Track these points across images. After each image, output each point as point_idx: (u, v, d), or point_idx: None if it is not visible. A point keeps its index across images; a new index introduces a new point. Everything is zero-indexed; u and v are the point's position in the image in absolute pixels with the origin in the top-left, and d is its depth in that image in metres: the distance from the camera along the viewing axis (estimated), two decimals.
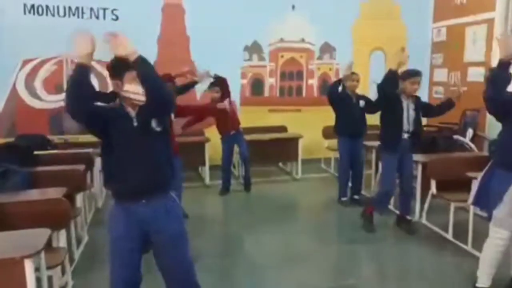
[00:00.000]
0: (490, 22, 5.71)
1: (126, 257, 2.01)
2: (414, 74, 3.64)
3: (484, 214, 3.02)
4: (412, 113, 3.68)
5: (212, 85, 4.84)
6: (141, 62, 1.83)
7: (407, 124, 3.67)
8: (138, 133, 1.95)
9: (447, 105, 3.77)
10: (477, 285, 2.71)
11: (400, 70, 3.59)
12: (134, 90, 1.90)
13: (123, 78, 1.92)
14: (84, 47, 1.85)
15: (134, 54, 1.82)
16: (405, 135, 3.69)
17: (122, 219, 1.99)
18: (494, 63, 5.56)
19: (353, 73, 4.51)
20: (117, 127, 1.93)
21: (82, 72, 1.85)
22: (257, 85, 6.58)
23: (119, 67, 1.93)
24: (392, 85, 3.57)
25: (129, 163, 1.94)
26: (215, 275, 3.11)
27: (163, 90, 1.89)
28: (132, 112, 1.97)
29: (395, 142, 3.71)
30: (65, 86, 5.71)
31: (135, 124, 1.96)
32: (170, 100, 1.99)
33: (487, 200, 2.66)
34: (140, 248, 2.05)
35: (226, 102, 4.77)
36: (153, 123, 1.97)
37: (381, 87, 3.61)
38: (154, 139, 1.98)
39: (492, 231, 2.63)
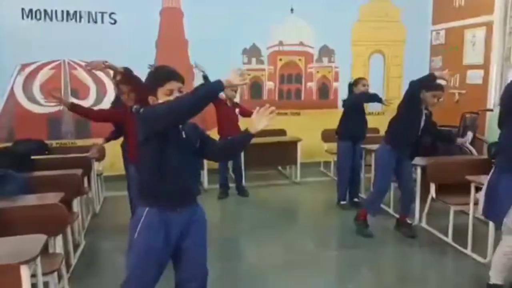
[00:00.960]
0: (488, 25, 5.71)
1: (154, 270, 1.99)
2: (438, 87, 3.60)
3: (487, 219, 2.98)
4: (422, 123, 3.69)
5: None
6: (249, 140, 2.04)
7: (418, 132, 3.69)
8: (184, 145, 1.99)
9: (445, 138, 4.00)
10: (489, 282, 2.67)
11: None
12: None
13: (156, 93, 1.95)
14: (236, 80, 1.91)
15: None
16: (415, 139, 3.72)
17: (160, 227, 1.96)
18: (493, 67, 5.60)
19: (362, 78, 4.58)
20: (167, 136, 1.92)
21: (218, 92, 1.91)
22: (255, 88, 6.57)
23: (151, 85, 1.99)
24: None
25: (172, 171, 1.95)
26: (214, 279, 3.07)
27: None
28: None
29: (404, 145, 3.72)
30: (63, 90, 5.72)
31: (184, 135, 1.99)
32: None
33: (497, 209, 2.58)
34: (168, 260, 2.05)
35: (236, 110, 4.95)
36: (197, 143, 2.07)
37: (415, 84, 3.51)
38: (195, 152, 2.06)
39: (503, 239, 2.58)
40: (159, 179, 1.96)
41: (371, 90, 4.56)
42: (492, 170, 2.73)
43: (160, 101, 1.94)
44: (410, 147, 3.75)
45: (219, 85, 1.84)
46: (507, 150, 2.63)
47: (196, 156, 2.09)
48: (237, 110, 4.97)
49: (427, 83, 3.50)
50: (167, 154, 1.93)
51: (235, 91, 4.93)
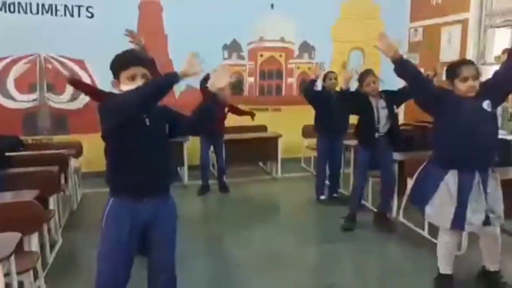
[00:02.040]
0: (464, 22, 5.83)
1: (123, 257, 1.96)
2: (365, 75, 3.75)
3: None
4: (383, 111, 3.75)
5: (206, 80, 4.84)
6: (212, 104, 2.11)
7: (378, 123, 3.75)
8: (149, 132, 1.95)
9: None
10: (440, 271, 2.78)
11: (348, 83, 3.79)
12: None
13: (119, 77, 1.93)
14: (193, 69, 1.91)
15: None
16: (377, 134, 3.77)
17: (125, 218, 1.95)
18: None
19: (330, 71, 4.56)
20: (129, 126, 1.88)
21: (172, 84, 1.89)
22: (236, 84, 6.54)
23: (114, 68, 1.95)
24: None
25: (137, 160, 1.92)
26: (195, 277, 3.07)
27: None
28: None
29: (367, 141, 3.83)
30: (38, 85, 5.58)
31: (148, 123, 1.95)
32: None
33: (422, 197, 2.72)
34: (136, 248, 2.02)
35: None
36: (166, 127, 2.02)
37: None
38: (163, 139, 2.01)
39: (440, 230, 2.75)
40: (122, 170, 1.95)
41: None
42: (426, 161, 2.83)
43: (122, 85, 1.93)
44: (386, 137, 3.79)
45: (175, 77, 1.86)
46: (434, 145, 2.77)
47: (165, 142, 2.04)
48: (226, 109, 4.94)
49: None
50: (129, 145, 1.91)
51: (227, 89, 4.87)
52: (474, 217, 2.53)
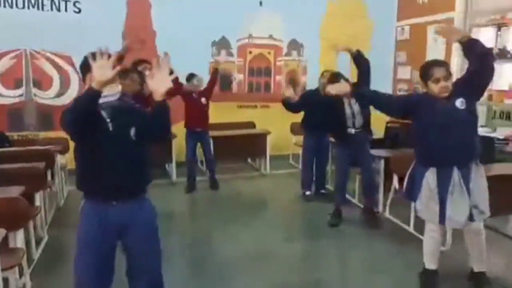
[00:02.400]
0: (450, 21, 5.90)
1: (95, 258, 1.95)
2: (333, 79, 3.74)
3: None
4: (356, 107, 3.84)
5: (192, 76, 4.83)
6: (164, 105, 1.90)
7: (351, 119, 3.86)
8: (113, 137, 1.89)
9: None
10: (426, 267, 2.84)
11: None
12: None
13: (85, 79, 1.88)
14: (104, 74, 1.71)
15: (163, 96, 1.87)
16: (353, 131, 3.87)
17: (95, 219, 1.94)
18: (454, 61, 5.81)
19: (326, 71, 4.56)
20: (91, 129, 1.84)
21: (94, 99, 1.76)
22: (225, 80, 6.55)
23: (84, 67, 1.89)
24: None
25: (102, 165, 1.89)
26: (183, 273, 3.09)
27: (169, 129, 2.01)
28: (105, 114, 1.90)
29: (341, 138, 3.96)
30: (24, 80, 5.51)
31: (111, 128, 1.89)
32: (168, 135, 2.08)
33: (413, 193, 2.78)
34: (113, 247, 2.01)
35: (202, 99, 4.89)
36: (132, 132, 1.93)
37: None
38: (130, 144, 1.93)
39: (426, 225, 2.81)
40: (87, 174, 1.94)
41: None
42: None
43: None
44: (361, 132, 3.87)
45: (90, 90, 1.74)
46: (413, 144, 2.84)
47: (134, 146, 1.94)
48: (203, 99, 4.92)
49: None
50: (93, 150, 1.89)
51: (197, 81, 4.87)
52: (456, 213, 2.57)
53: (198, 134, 4.98)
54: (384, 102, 2.89)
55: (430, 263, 2.82)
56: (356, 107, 3.83)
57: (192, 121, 4.94)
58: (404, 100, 2.95)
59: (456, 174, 2.57)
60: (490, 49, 2.74)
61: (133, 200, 1.99)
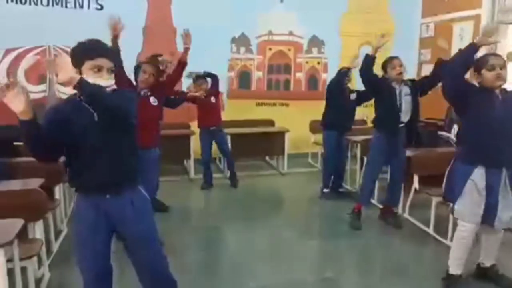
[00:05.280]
0: (476, 18, 5.74)
1: (95, 248, 1.95)
2: (390, 59, 3.61)
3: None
4: (407, 99, 3.59)
5: (198, 78, 4.82)
6: (84, 85, 1.72)
7: (400, 112, 3.58)
8: (99, 128, 1.83)
9: (436, 65, 3.67)
10: (450, 272, 2.74)
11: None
12: (93, 82, 1.77)
13: (82, 68, 1.79)
14: (17, 106, 1.63)
15: (74, 80, 1.68)
16: (400, 125, 3.63)
17: (89, 211, 1.93)
18: None
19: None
20: (76, 121, 1.83)
21: (26, 127, 1.69)
22: (244, 78, 6.53)
23: (78, 55, 1.79)
24: (368, 69, 3.52)
25: (91, 158, 1.86)
26: (197, 270, 3.09)
27: (116, 108, 1.80)
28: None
29: (388, 128, 3.65)
30: (48, 77, 5.62)
31: (96, 119, 1.84)
32: (125, 113, 1.85)
33: (452, 194, 2.69)
34: (108, 239, 2.00)
35: (212, 98, 4.84)
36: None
37: (360, 74, 3.59)
38: (118, 133, 1.88)
39: (459, 224, 2.70)
40: (75, 166, 1.91)
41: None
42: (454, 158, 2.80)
43: (84, 75, 1.76)
44: (400, 130, 3.65)
45: (20, 124, 1.68)
46: (463, 140, 2.73)
47: (122, 137, 1.89)
48: (212, 98, 4.88)
49: (367, 63, 3.50)
50: (79, 141, 1.84)
51: (202, 84, 4.79)
52: (503, 214, 2.53)
53: (212, 131, 4.97)
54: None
55: (456, 268, 2.72)
56: (407, 99, 3.57)
57: (204, 120, 4.94)
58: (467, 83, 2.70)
59: (504, 174, 2.51)
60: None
61: (127, 192, 1.96)
